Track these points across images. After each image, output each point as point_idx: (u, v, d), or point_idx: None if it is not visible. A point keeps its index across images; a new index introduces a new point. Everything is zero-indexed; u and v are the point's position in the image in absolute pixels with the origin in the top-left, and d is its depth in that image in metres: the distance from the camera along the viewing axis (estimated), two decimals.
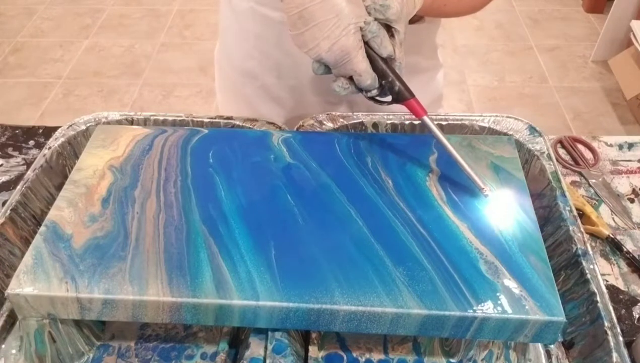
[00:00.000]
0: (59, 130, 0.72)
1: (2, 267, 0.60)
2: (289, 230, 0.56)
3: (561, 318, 0.48)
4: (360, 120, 0.73)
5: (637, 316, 0.61)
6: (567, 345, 0.57)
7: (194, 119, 0.73)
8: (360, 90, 0.57)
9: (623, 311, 0.62)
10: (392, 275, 0.51)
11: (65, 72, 2.48)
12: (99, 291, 0.51)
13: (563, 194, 0.63)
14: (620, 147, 0.82)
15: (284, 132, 0.69)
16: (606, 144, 0.83)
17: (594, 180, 0.77)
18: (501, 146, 0.66)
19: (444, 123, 0.72)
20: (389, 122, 0.72)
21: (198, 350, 0.58)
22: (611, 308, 0.53)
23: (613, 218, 0.72)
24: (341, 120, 0.73)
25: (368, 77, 0.55)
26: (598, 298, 0.54)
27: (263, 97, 0.86)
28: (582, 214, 0.71)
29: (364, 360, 0.57)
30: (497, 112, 0.73)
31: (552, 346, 0.57)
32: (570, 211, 0.61)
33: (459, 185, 0.60)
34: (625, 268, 0.67)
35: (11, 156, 0.82)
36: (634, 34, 2.10)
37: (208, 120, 0.73)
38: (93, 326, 0.59)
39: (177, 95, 2.36)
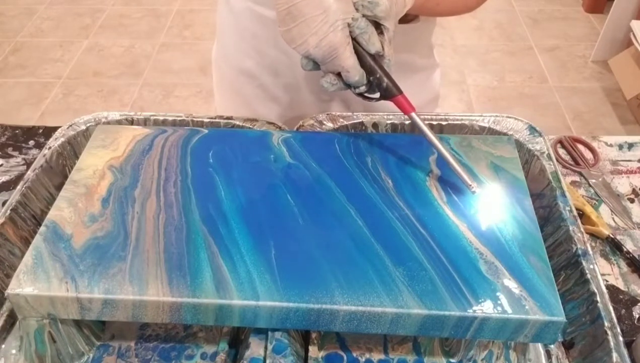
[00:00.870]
0: (59, 130, 0.72)
1: (2, 267, 0.60)
2: (289, 230, 0.56)
3: (561, 318, 0.48)
4: (360, 120, 0.73)
5: (637, 316, 0.61)
6: (567, 345, 0.57)
7: (194, 119, 0.73)
8: (348, 86, 0.57)
9: (623, 311, 0.62)
10: (392, 275, 0.51)
11: (65, 72, 2.48)
12: (99, 291, 0.51)
13: (563, 194, 0.63)
14: (620, 147, 0.82)
15: (284, 132, 0.69)
16: (606, 144, 0.83)
17: (594, 180, 0.77)
18: (501, 146, 0.66)
19: (444, 123, 0.72)
20: (389, 122, 0.72)
21: (198, 350, 0.58)
22: (611, 308, 0.53)
23: (613, 218, 0.72)
24: (341, 120, 0.73)
25: (356, 73, 0.55)
26: (598, 298, 0.54)
27: (261, 97, 0.86)
28: (582, 214, 0.71)
29: (364, 360, 0.57)
30: (497, 112, 0.73)
31: (552, 346, 0.57)
32: (570, 211, 0.61)
33: (458, 185, 0.60)
34: (625, 268, 0.67)
35: (11, 156, 0.82)
36: (634, 34, 2.10)
37: (208, 120, 0.73)
38: (93, 326, 0.59)
39: (177, 95, 2.36)
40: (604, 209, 0.73)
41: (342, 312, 0.50)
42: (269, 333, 0.53)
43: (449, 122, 0.72)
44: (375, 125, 0.73)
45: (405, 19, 0.77)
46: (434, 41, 0.86)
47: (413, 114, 0.58)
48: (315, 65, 0.56)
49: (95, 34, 2.72)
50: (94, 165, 0.64)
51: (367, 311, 0.49)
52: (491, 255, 0.53)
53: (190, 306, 0.51)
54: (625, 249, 0.68)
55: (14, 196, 0.63)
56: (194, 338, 0.59)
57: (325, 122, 0.72)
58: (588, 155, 0.81)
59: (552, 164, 0.66)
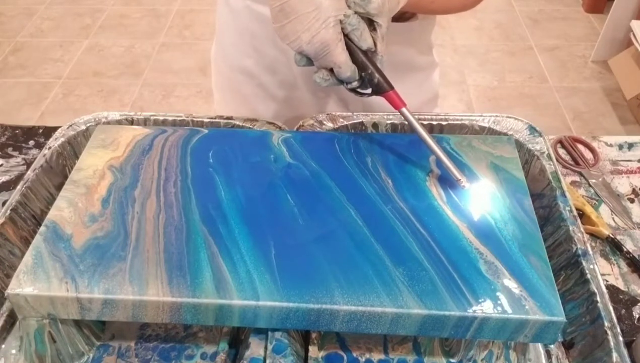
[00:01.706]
0: (59, 130, 0.72)
1: (2, 267, 0.60)
2: (289, 230, 0.56)
3: (561, 318, 0.48)
4: (360, 120, 0.73)
5: (637, 316, 0.61)
6: (567, 345, 0.57)
7: (194, 119, 0.73)
8: (340, 82, 0.58)
9: (623, 311, 0.62)
10: (392, 275, 0.51)
11: (65, 72, 2.48)
12: (99, 291, 0.51)
13: (563, 194, 0.63)
14: (620, 147, 0.82)
15: (284, 132, 0.69)
16: (606, 144, 0.83)
17: (594, 180, 0.77)
18: (501, 146, 0.66)
19: (444, 123, 0.72)
20: (389, 122, 0.72)
21: (198, 350, 0.58)
22: (611, 308, 0.53)
23: (613, 218, 0.72)
24: (341, 120, 0.73)
25: (347, 69, 0.56)
26: (598, 298, 0.54)
27: (260, 96, 0.86)
28: (582, 214, 0.71)
29: (364, 360, 0.57)
30: (497, 112, 0.73)
31: (552, 346, 0.57)
32: (570, 211, 0.61)
33: (458, 185, 0.60)
34: (625, 268, 0.67)
35: (11, 156, 0.82)
36: (634, 34, 2.10)
37: (208, 120, 0.73)
38: (93, 326, 0.59)
39: (177, 95, 2.36)
40: (604, 209, 0.73)
41: (342, 312, 0.50)
42: (269, 333, 0.53)
43: (449, 122, 0.72)
44: (375, 125, 0.73)
45: (404, 18, 0.77)
46: (433, 40, 0.86)
47: (404, 109, 0.59)
48: (309, 61, 0.57)
49: (95, 34, 2.72)
50: (94, 165, 0.64)
51: (367, 311, 0.49)
52: (491, 255, 0.53)
53: (190, 306, 0.51)
54: (625, 249, 0.68)
55: (14, 196, 0.63)
56: (194, 338, 0.59)
57: (325, 122, 0.72)
58: (588, 155, 0.81)
59: (552, 164, 0.66)
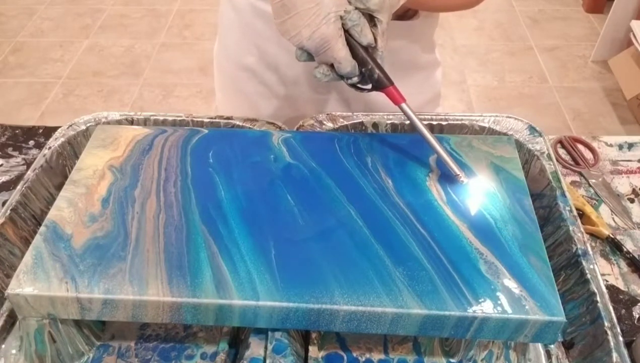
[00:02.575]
0: (59, 130, 0.72)
1: (2, 267, 0.60)
2: (289, 230, 0.56)
3: (561, 318, 0.48)
4: (360, 120, 0.73)
5: (637, 316, 0.61)
6: (567, 345, 0.57)
7: (194, 119, 0.73)
8: (341, 77, 0.58)
9: (623, 311, 0.62)
10: (392, 275, 0.51)
11: (65, 72, 2.48)
12: (99, 291, 0.51)
13: (563, 194, 0.63)
14: (620, 147, 0.82)
15: (284, 132, 0.69)
16: (606, 144, 0.83)
17: (594, 180, 0.77)
18: (501, 146, 0.66)
19: (444, 123, 0.72)
20: (389, 122, 0.72)
21: (198, 350, 0.58)
22: (611, 308, 0.53)
23: (613, 218, 0.72)
24: (341, 120, 0.73)
25: (347, 64, 0.56)
26: (598, 298, 0.54)
27: (262, 93, 0.86)
28: (582, 214, 0.71)
29: (364, 360, 0.57)
30: (497, 112, 0.73)
31: (552, 346, 0.57)
32: (570, 211, 0.61)
33: (459, 185, 0.60)
34: (625, 268, 0.67)
35: (11, 156, 0.82)
36: (634, 34, 2.10)
37: (208, 120, 0.73)
38: (93, 326, 0.59)
39: (177, 95, 2.36)
40: (604, 209, 0.73)
41: (342, 312, 0.50)
42: (269, 333, 0.53)
43: (449, 122, 0.72)
44: (375, 125, 0.73)
45: (407, 16, 0.77)
46: (435, 39, 0.86)
47: (403, 105, 0.59)
48: (309, 56, 0.57)
49: (95, 34, 2.72)
50: (94, 165, 0.64)
51: (367, 311, 0.49)
52: (491, 255, 0.53)
53: (190, 306, 0.51)
54: (625, 249, 0.68)
55: (14, 196, 0.63)
56: (194, 338, 0.59)
57: (325, 122, 0.72)
58: (588, 155, 0.81)
59: (552, 164, 0.66)
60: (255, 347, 0.52)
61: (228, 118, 0.73)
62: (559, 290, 0.51)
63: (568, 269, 0.58)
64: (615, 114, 2.21)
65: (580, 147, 0.82)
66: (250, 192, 0.60)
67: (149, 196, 0.60)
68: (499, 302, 0.49)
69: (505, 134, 0.70)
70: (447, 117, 0.72)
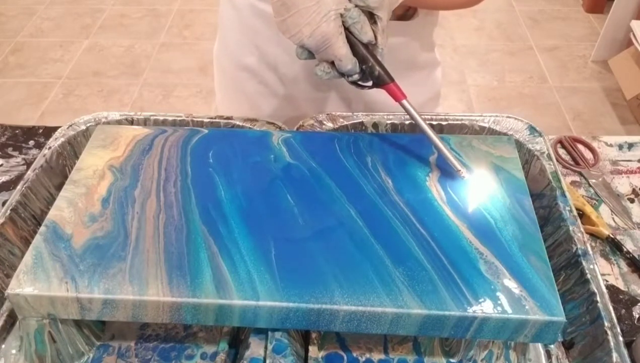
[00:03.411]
0: (59, 130, 0.72)
1: (2, 267, 0.60)
2: (289, 230, 0.56)
3: (561, 318, 0.48)
4: (360, 120, 0.73)
5: (637, 316, 0.61)
6: (567, 345, 0.57)
7: (194, 119, 0.73)
8: (342, 74, 0.58)
9: (623, 311, 0.62)
10: (392, 275, 0.51)
11: (65, 72, 2.48)
12: (99, 291, 0.51)
13: (563, 194, 0.63)
14: (620, 147, 0.82)
15: (284, 132, 0.69)
16: (606, 144, 0.83)
17: (594, 180, 0.77)
18: (501, 146, 0.66)
19: (444, 123, 0.72)
20: (389, 122, 0.72)
21: (198, 350, 0.58)
22: (611, 308, 0.53)
23: (613, 218, 0.72)
24: (341, 120, 0.73)
25: (348, 62, 0.56)
26: (598, 298, 0.54)
27: (262, 93, 0.86)
28: (582, 214, 0.71)
29: (364, 360, 0.57)
30: (497, 112, 0.73)
31: (552, 346, 0.57)
32: (570, 211, 0.61)
33: (459, 185, 0.60)
34: (625, 268, 0.67)
35: (11, 156, 0.82)
36: (634, 34, 2.10)
37: (208, 120, 0.73)
38: (93, 326, 0.59)
39: (177, 95, 2.36)
40: (604, 209, 0.73)
41: (342, 312, 0.50)
42: (269, 333, 0.53)
43: (449, 122, 0.72)
44: (375, 125, 0.73)
45: (406, 16, 0.77)
46: (434, 39, 0.86)
47: (404, 101, 0.59)
48: (310, 54, 0.57)
49: (95, 34, 2.72)
50: (94, 165, 0.64)
51: (367, 311, 0.49)
52: (491, 255, 0.53)
53: (190, 306, 0.51)
54: (625, 249, 0.68)
55: (14, 196, 0.63)
56: (194, 338, 0.59)
57: (325, 122, 0.72)
58: (588, 155, 0.81)
59: (552, 164, 0.66)
60: (255, 347, 0.52)
61: (228, 118, 0.73)
62: (559, 290, 0.51)
63: (568, 269, 0.58)
64: (615, 114, 2.21)
65: (580, 147, 0.82)
66: (250, 192, 0.60)
67: (149, 196, 0.60)
68: (499, 302, 0.49)
69: (505, 134, 0.70)
70: (447, 117, 0.72)
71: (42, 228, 0.56)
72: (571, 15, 2.80)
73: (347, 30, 0.56)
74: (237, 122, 0.73)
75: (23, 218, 0.64)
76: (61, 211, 0.58)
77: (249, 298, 0.50)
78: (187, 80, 2.44)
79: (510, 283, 0.51)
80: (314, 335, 0.56)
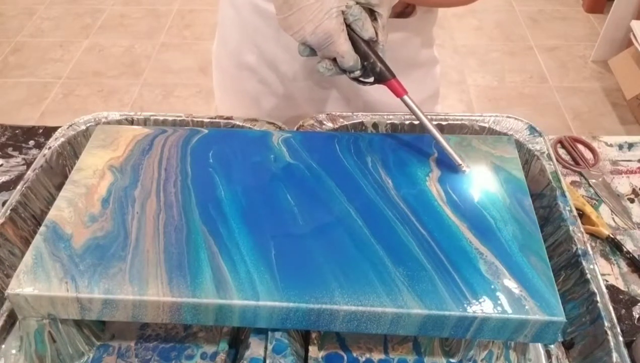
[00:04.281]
0: (59, 130, 0.72)
1: (2, 267, 0.60)
2: (289, 230, 0.56)
3: (561, 318, 0.48)
4: (360, 120, 0.73)
5: (637, 316, 0.61)
6: (567, 345, 0.57)
7: (194, 119, 0.73)
8: (343, 71, 0.59)
9: (623, 311, 0.62)
10: (392, 275, 0.51)
11: (65, 72, 2.48)
12: (99, 291, 0.51)
13: (563, 194, 0.63)
14: (620, 147, 0.82)
15: (284, 132, 0.69)
16: (606, 144, 0.83)
17: (594, 180, 0.77)
18: (501, 146, 0.66)
19: (444, 123, 0.72)
20: (388, 122, 0.72)
21: (198, 350, 0.58)
22: (611, 308, 0.53)
23: (613, 218, 0.72)
24: (341, 120, 0.73)
25: (350, 58, 0.57)
26: (598, 298, 0.54)
27: (262, 92, 0.86)
28: (582, 214, 0.71)
29: (364, 359, 0.57)
30: (497, 112, 0.73)
31: (552, 346, 0.57)
32: (570, 211, 0.61)
33: (459, 185, 0.60)
34: (625, 268, 0.67)
35: (11, 156, 0.82)
36: (634, 34, 2.10)
37: (208, 120, 0.73)
38: (93, 326, 0.58)
39: (177, 95, 2.36)
40: (604, 209, 0.73)
41: (342, 312, 0.50)
42: (269, 333, 0.53)
43: (449, 122, 0.72)
44: (375, 125, 0.73)
45: (405, 13, 0.77)
46: (434, 37, 0.86)
47: (405, 97, 0.60)
48: (312, 51, 0.58)
49: (95, 34, 2.72)
50: (94, 165, 0.64)
51: (367, 311, 0.49)
52: (491, 255, 0.53)
53: (190, 306, 0.51)
54: (625, 249, 0.68)
55: (14, 196, 0.63)
56: (194, 338, 0.59)
57: (325, 122, 0.72)
58: (588, 155, 0.81)
59: (552, 164, 0.66)
60: (255, 347, 0.52)
61: (228, 118, 0.73)
62: (559, 290, 0.51)
63: (568, 269, 0.58)
64: (615, 114, 2.21)
65: (580, 147, 0.82)
66: (251, 192, 0.60)
67: (149, 196, 0.60)
68: (499, 302, 0.49)
69: (505, 134, 0.70)
70: (447, 117, 0.72)
71: (42, 228, 0.56)
72: (571, 15, 2.80)
73: (349, 27, 0.56)
74: (237, 122, 0.73)
75: (23, 218, 0.64)
76: (61, 211, 0.58)
77: (249, 298, 0.50)
78: (187, 80, 2.44)
79: (510, 283, 0.51)
80: (314, 335, 0.56)
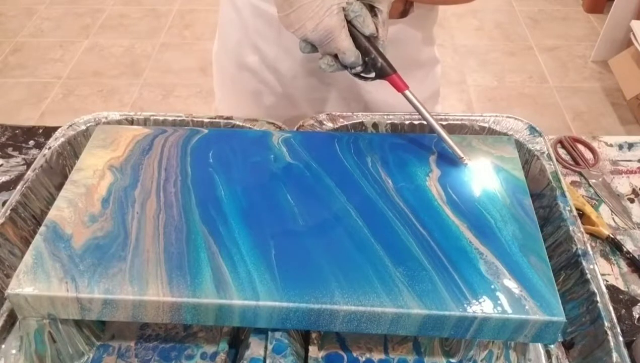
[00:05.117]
0: (59, 130, 0.72)
1: (2, 267, 0.60)
2: (289, 230, 0.56)
3: (561, 318, 0.48)
4: (360, 120, 0.73)
5: (637, 316, 0.61)
6: (567, 345, 0.57)
7: (194, 119, 0.73)
8: (345, 67, 0.59)
9: (623, 311, 0.62)
10: (392, 275, 0.51)
11: (65, 72, 2.48)
12: (99, 291, 0.51)
13: (563, 194, 0.63)
14: (620, 147, 0.82)
15: (284, 132, 0.69)
16: (606, 144, 0.83)
17: (594, 180, 0.77)
18: (501, 146, 0.66)
19: (444, 123, 0.72)
20: (388, 122, 0.72)
21: (198, 350, 0.58)
22: (611, 308, 0.53)
23: (613, 218, 0.72)
24: (341, 120, 0.73)
25: (351, 54, 0.57)
26: (598, 298, 0.54)
27: (263, 92, 0.86)
28: (582, 214, 0.71)
29: (364, 359, 0.57)
30: (497, 112, 0.73)
31: (552, 346, 0.57)
32: (570, 211, 0.61)
33: (459, 185, 0.60)
34: (625, 268, 0.67)
35: (11, 156, 0.82)
36: (634, 34, 2.10)
37: (208, 120, 0.73)
38: (93, 326, 0.59)
39: (177, 95, 2.36)
40: (604, 209, 0.73)
41: (342, 312, 0.50)
42: (269, 333, 0.53)
43: (449, 122, 0.72)
44: (375, 125, 0.73)
45: (404, 12, 0.77)
46: (434, 36, 0.86)
47: (407, 92, 0.60)
48: (313, 48, 0.58)
49: (95, 34, 2.72)
50: (94, 165, 0.64)
51: (367, 311, 0.49)
52: (491, 255, 0.53)
53: (190, 306, 0.51)
54: (625, 249, 0.68)
55: (14, 196, 0.63)
56: (194, 338, 0.59)
57: (325, 122, 0.72)
58: (588, 155, 0.81)
59: (552, 164, 0.66)
60: (255, 347, 0.52)
61: (228, 118, 0.73)
62: (559, 290, 0.51)
63: (568, 269, 0.58)
64: (615, 114, 2.21)
65: (580, 147, 0.82)
66: (251, 192, 0.60)
67: (149, 196, 0.60)
68: (498, 302, 0.49)
69: (505, 134, 0.70)
70: (447, 117, 0.72)
71: (42, 228, 0.56)
72: (571, 15, 2.80)
73: (349, 23, 0.57)
74: (237, 122, 0.73)
75: (23, 218, 0.64)
76: (61, 211, 0.58)
77: (249, 299, 0.50)
78: (187, 80, 2.44)
79: (510, 283, 0.51)
80: (314, 335, 0.56)
